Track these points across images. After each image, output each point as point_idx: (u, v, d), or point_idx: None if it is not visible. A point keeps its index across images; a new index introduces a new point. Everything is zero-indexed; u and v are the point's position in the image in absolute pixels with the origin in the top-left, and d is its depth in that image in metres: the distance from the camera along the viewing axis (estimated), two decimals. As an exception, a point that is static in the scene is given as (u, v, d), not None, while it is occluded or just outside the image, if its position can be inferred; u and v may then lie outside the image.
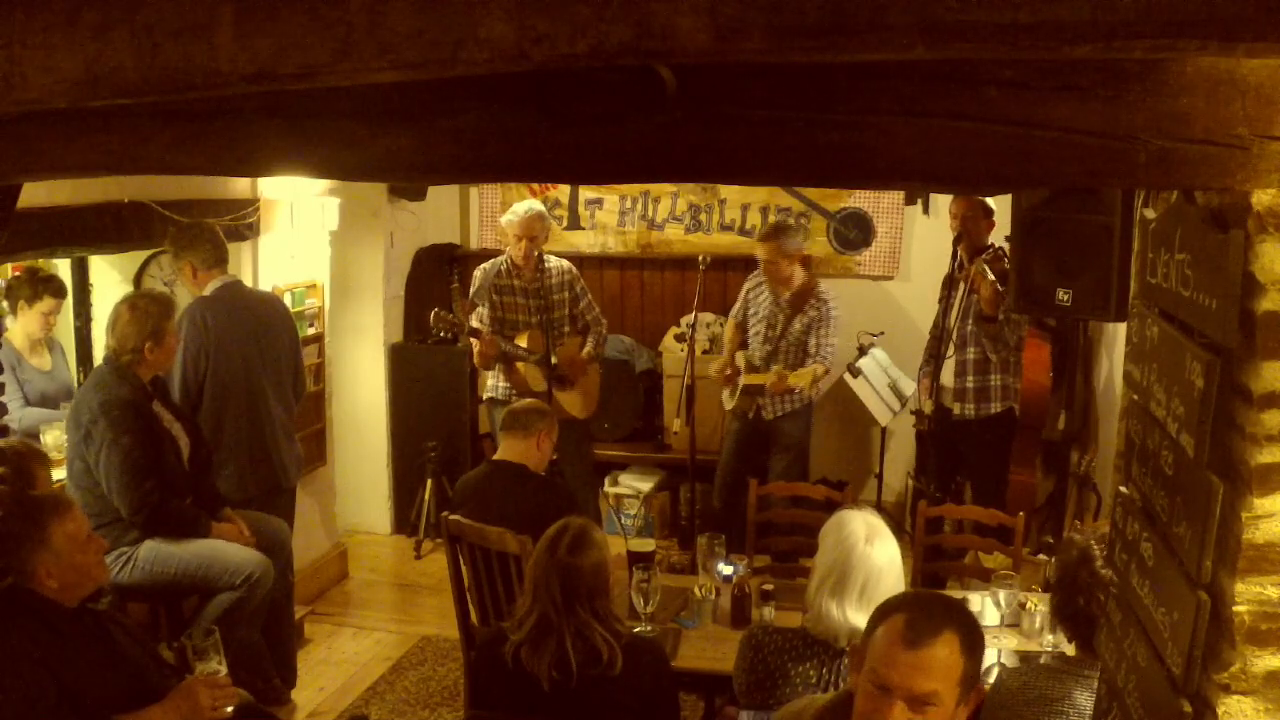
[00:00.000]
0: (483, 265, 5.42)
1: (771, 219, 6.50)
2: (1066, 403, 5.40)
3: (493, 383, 5.47)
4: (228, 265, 4.40)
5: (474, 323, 5.38)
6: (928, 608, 1.85)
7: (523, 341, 5.31)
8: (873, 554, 2.60)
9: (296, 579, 4.63)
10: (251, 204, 4.79)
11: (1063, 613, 2.56)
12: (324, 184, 5.17)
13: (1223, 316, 1.55)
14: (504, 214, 5.44)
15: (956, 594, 3.58)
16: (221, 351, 4.28)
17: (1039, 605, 3.38)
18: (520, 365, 5.32)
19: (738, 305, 5.63)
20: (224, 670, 2.87)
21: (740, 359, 5.49)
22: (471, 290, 5.40)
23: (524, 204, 5.34)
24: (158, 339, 3.77)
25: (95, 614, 2.84)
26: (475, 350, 5.33)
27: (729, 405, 5.57)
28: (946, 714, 1.80)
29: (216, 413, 4.31)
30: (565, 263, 5.45)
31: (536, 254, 5.26)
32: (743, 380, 5.39)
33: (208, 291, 4.31)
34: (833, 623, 2.63)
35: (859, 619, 2.56)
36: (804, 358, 5.31)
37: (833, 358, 5.31)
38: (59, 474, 4.04)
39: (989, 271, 4.67)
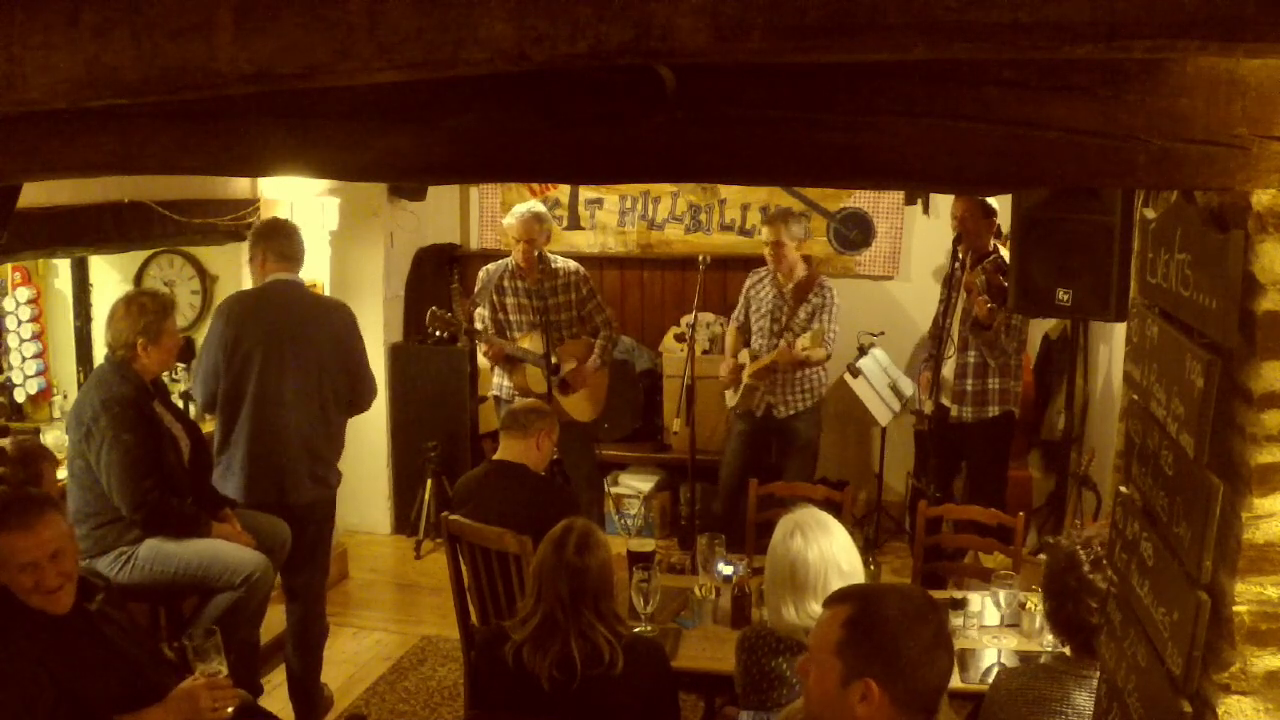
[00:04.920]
0: (487, 266, 5.43)
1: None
2: (1066, 403, 5.40)
3: (497, 381, 5.49)
4: (299, 267, 4.23)
5: (477, 325, 5.39)
6: (851, 587, 2.13)
7: (525, 343, 5.31)
8: (793, 548, 2.74)
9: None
10: (251, 204, 4.79)
11: (1054, 619, 2.56)
12: (324, 184, 5.17)
13: (1223, 316, 1.55)
14: (504, 214, 5.44)
15: (956, 594, 3.58)
16: (238, 344, 4.07)
17: (1039, 605, 3.38)
18: (523, 366, 5.33)
19: (739, 308, 5.59)
20: (225, 670, 2.87)
21: (744, 355, 5.48)
22: (475, 290, 5.41)
23: (524, 205, 5.33)
24: (152, 337, 3.73)
25: (88, 614, 2.82)
26: (481, 350, 5.34)
27: (731, 403, 5.55)
28: (819, 681, 1.90)
29: (228, 406, 4.12)
30: (573, 264, 5.44)
31: (538, 255, 5.26)
32: (746, 372, 5.38)
33: (259, 284, 4.21)
34: (775, 620, 2.78)
35: (788, 612, 2.73)
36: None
37: (834, 345, 5.33)
38: (61, 473, 4.04)
39: (983, 285, 4.67)
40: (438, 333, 5.32)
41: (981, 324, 4.76)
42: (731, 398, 5.53)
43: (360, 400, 4.46)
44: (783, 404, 5.42)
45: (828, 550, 2.72)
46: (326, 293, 5.49)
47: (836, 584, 2.61)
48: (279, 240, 4.17)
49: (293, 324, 4.16)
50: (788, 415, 5.43)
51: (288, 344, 4.13)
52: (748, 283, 5.56)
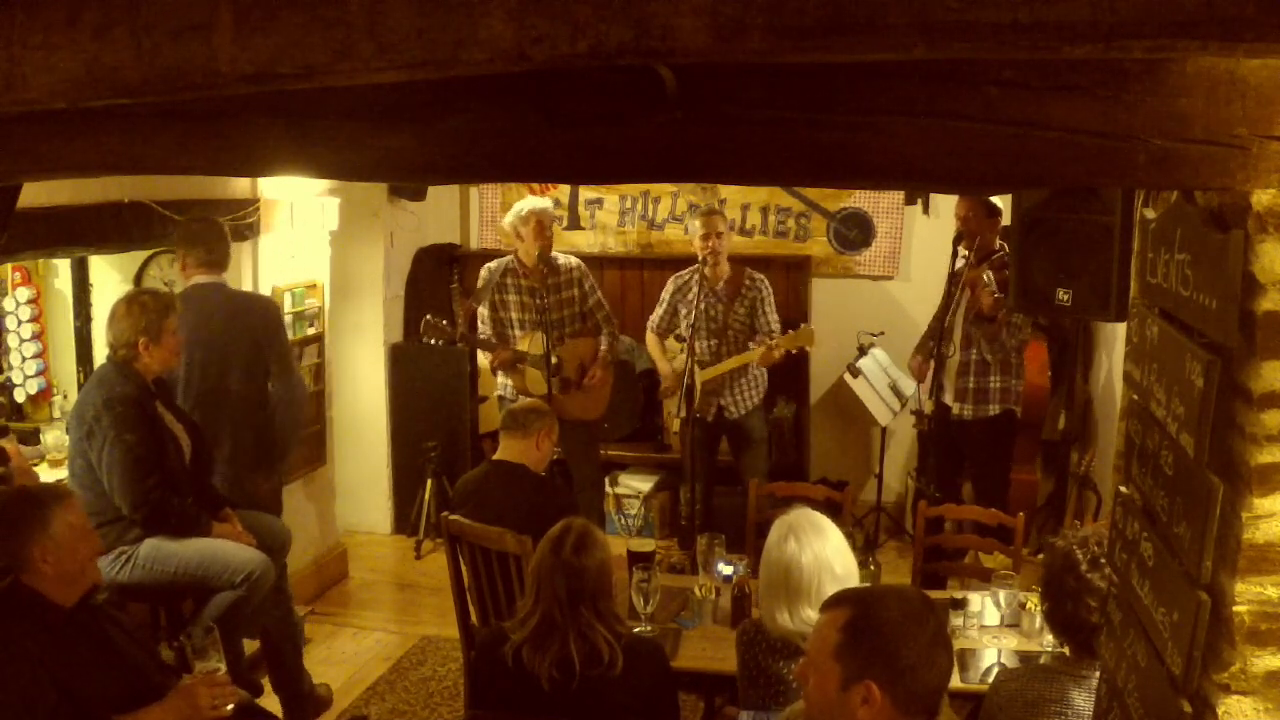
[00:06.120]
0: (489, 264, 5.41)
1: (771, 219, 6.51)
2: (1066, 403, 5.39)
3: (502, 381, 5.50)
4: (221, 270, 4.33)
5: (479, 325, 5.39)
6: (848, 590, 2.10)
7: (526, 342, 5.30)
8: (787, 552, 2.74)
9: (296, 579, 4.58)
10: (251, 204, 4.79)
11: (1053, 619, 2.57)
12: (324, 184, 5.17)
13: (1223, 316, 1.55)
14: (504, 214, 5.43)
15: (957, 594, 3.58)
16: None
17: (1039, 605, 3.38)
18: (525, 368, 5.32)
19: (660, 314, 5.58)
20: (223, 668, 2.87)
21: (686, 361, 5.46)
22: (477, 289, 5.40)
23: (527, 202, 5.33)
24: (154, 336, 3.74)
25: (92, 610, 2.83)
26: (490, 361, 5.35)
27: (683, 414, 5.41)
28: (819, 685, 1.90)
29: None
30: (574, 260, 5.45)
31: (540, 253, 5.27)
32: (701, 378, 5.35)
33: (182, 289, 4.28)
34: (770, 625, 2.77)
35: (783, 617, 2.73)
36: (748, 341, 5.35)
37: (777, 332, 5.36)
38: (60, 473, 4.03)
39: (990, 280, 4.68)
40: (433, 341, 5.32)
41: (985, 315, 4.76)
42: (684, 408, 5.43)
43: (290, 392, 4.55)
44: (734, 404, 5.46)
45: (821, 553, 2.71)
46: (327, 293, 5.49)
47: (831, 588, 2.60)
48: (200, 249, 4.26)
49: (214, 328, 4.26)
50: (742, 414, 5.47)
51: (212, 347, 4.25)
52: (671, 287, 5.56)
